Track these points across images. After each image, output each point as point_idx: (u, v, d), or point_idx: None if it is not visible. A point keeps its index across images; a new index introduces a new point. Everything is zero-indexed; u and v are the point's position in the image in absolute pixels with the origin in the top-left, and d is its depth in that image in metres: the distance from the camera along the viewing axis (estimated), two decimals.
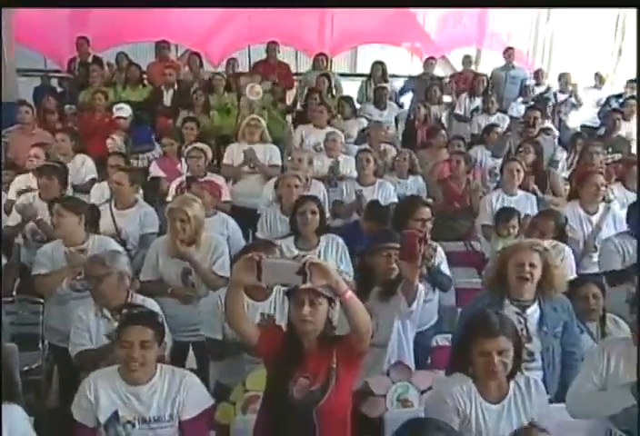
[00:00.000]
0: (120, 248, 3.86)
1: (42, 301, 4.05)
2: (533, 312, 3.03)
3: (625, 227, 4.23)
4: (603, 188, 4.49)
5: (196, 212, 3.70)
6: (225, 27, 9.49)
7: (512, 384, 2.47)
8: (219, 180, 5.12)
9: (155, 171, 5.63)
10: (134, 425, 2.50)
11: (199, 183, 4.66)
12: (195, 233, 3.69)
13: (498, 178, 5.50)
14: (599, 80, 8.51)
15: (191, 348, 3.77)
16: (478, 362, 2.40)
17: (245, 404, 2.89)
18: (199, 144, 5.40)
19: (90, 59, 8.31)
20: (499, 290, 3.08)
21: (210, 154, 5.37)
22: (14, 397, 2.51)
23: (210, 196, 4.44)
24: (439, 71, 10.14)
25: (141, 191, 4.84)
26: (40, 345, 4.01)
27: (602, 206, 4.54)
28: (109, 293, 3.15)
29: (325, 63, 8.46)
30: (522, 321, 2.98)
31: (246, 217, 4.96)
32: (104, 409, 2.50)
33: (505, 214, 4.34)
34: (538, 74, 8.83)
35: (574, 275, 3.81)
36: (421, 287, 3.04)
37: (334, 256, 3.89)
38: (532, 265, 2.99)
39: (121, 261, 3.24)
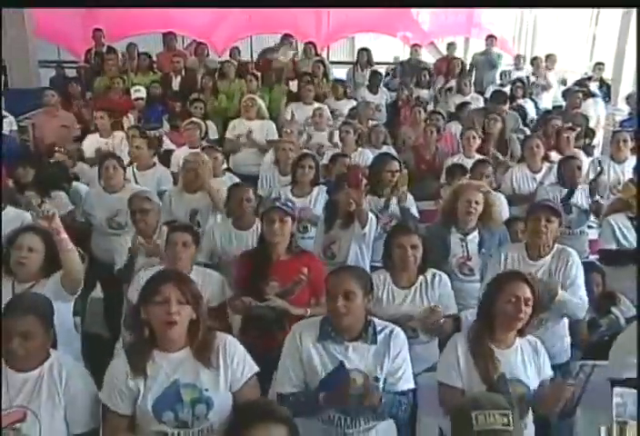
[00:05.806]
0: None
1: None
2: (473, 237, 3.78)
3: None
4: (536, 149, 5.19)
5: (204, 168, 4.49)
6: (226, 19, 10.21)
7: (420, 277, 3.19)
8: None
9: (167, 143, 6.46)
10: None
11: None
12: (202, 184, 4.49)
13: None
14: (551, 62, 8.89)
15: None
16: (396, 254, 3.14)
17: None
18: (194, 119, 6.19)
19: (105, 49, 9.07)
20: (449, 220, 3.82)
21: (204, 128, 6.17)
22: None
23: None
24: (430, 57, 10.81)
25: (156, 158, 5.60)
26: None
27: (545, 166, 5.25)
28: (151, 224, 3.88)
29: (313, 50, 9.12)
30: (464, 244, 3.75)
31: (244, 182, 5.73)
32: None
33: (454, 170, 5.05)
34: (518, 60, 9.37)
35: (507, 216, 4.49)
36: (371, 215, 3.82)
37: (321, 202, 4.59)
38: (477, 202, 3.74)
39: (157, 198, 4.02)
